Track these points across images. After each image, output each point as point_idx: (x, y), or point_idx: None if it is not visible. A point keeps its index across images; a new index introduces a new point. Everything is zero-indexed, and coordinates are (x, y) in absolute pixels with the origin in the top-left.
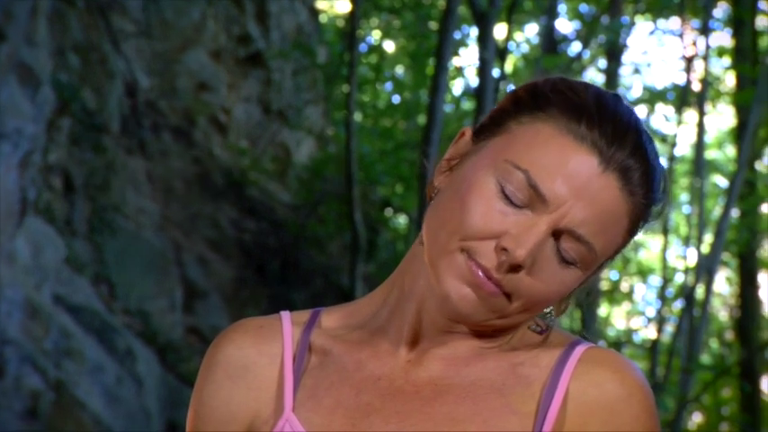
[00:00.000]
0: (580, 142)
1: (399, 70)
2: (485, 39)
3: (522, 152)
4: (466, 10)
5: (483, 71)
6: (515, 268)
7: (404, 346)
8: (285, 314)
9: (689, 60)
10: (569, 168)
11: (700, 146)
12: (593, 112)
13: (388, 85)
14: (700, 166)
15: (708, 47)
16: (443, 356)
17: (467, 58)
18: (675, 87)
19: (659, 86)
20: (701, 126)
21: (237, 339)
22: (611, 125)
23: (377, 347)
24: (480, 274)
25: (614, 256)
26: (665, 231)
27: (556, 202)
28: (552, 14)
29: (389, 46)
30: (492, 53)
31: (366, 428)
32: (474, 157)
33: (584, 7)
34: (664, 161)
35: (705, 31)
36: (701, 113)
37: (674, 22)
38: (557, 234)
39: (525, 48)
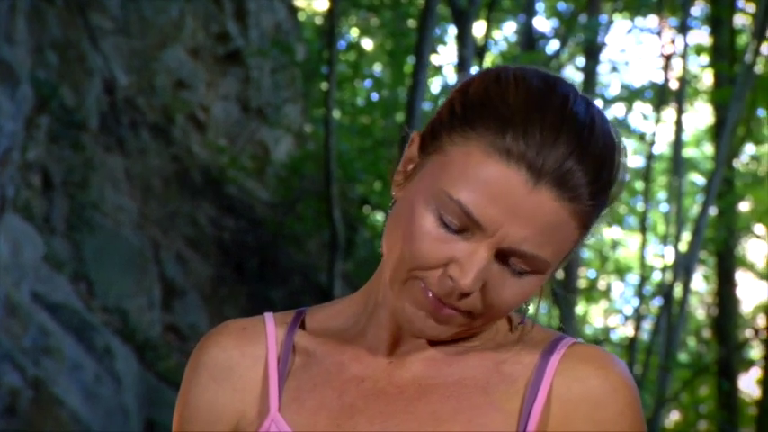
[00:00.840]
0: (507, 159)
1: (377, 68)
2: (464, 36)
3: (456, 179)
4: (445, 8)
5: (462, 69)
6: (465, 295)
7: (385, 349)
8: (269, 315)
9: (667, 58)
10: (498, 191)
11: (678, 144)
12: (519, 121)
13: (367, 83)
14: (678, 164)
15: (686, 45)
16: (425, 357)
17: (446, 56)
18: (653, 86)
19: (638, 85)
20: (679, 124)
21: (221, 341)
22: (538, 130)
23: (358, 350)
24: (435, 300)
25: (572, 251)
26: (644, 229)
27: (492, 227)
28: (530, 12)
29: (367, 44)
30: (471, 51)
31: (351, 429)
32: (417, 177)
33: (562, 5)
34: (621, 140)
35: (683, 29)
36: (680, 112)
37: (652, 20)
38: (501, 254)
39: (503, 46)
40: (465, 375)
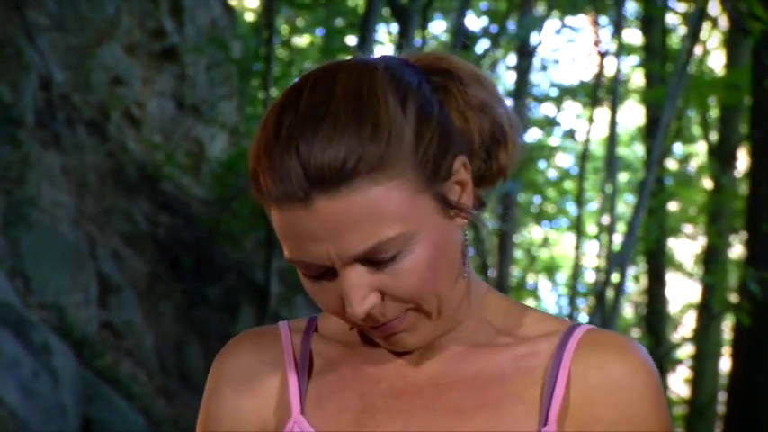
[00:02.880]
0: (275, 203)
1: (308, 66)
2: (406, 34)
3: (281, 241)
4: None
5: None
6: (372, 314)
7: (396, 353)
8: (283, 324)
9: (601, 57)
10: (295, 231)
11: (612, 143)
12: (263, 169)
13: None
14: (612, 163)
15: (620, 43)
16: (438, 357)
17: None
18: (585, 85)
19: (571, 84)
20: (613, 123)
21: (238, 351)
22: (266, 161)
23: (371, 352)
24: (371, 328)
25: (437, 189)
26: (577, 228)
27: (324, 258)
28: (463, 12)
29: (299, 41)
30: (414, 49)
31: (373, 429)
32: None
33: (493, 4)
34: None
35: (617, 27)
36: (614, 110)
37: (583, 19)
38: (360, 262)
39: (432, 44)
40: (482, 370)
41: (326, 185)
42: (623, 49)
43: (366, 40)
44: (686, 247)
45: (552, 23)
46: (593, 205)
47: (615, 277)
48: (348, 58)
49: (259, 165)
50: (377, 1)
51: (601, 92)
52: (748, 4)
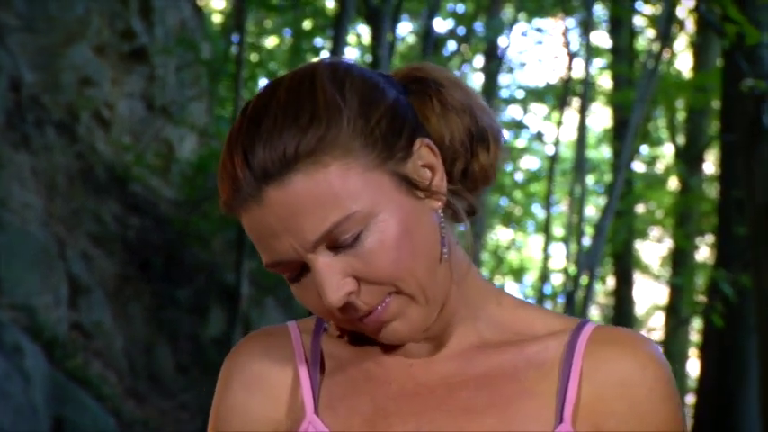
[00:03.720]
0: (237, 210)
1: (273, 67)
2: (378, 36)
3: (256, 248)
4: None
5: (376, 69)
6: (352, 302)
7: (402, 351)
8: (291, 323)
9: (570, 59)
10: (258, 232)
11: (581, 145)
12: (221, 181)
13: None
14: (581, 166)
15: (589, 46)
16: (449, 355)
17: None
18: (552, 87)
19: (537, 86)
20: (582, 125)
21: (249, 351)
22: (228, 169)
23: (379, 354)
24: (358, 320)
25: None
26: (545, 231)
27: (290, 253)
28: (433, 14)
29: (267, 43)
30: (386, 50)
31: (385, 430)
32: None
33: (460, 7)
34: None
35: (587, 29)
36: (583, 112)
37: (548, 22)
38: (324, 248)
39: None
40: (492, 367)
41: (272, 178)
42: (592, 52)
43: (339, 41)
44: (653, 249)
45: (520, 26)
46: (561, 207)
47: (584, 279)
48: (317, 60)
49: (219, 178)
50: (350, 2)
51: (569, 94)
52: (723, 7)
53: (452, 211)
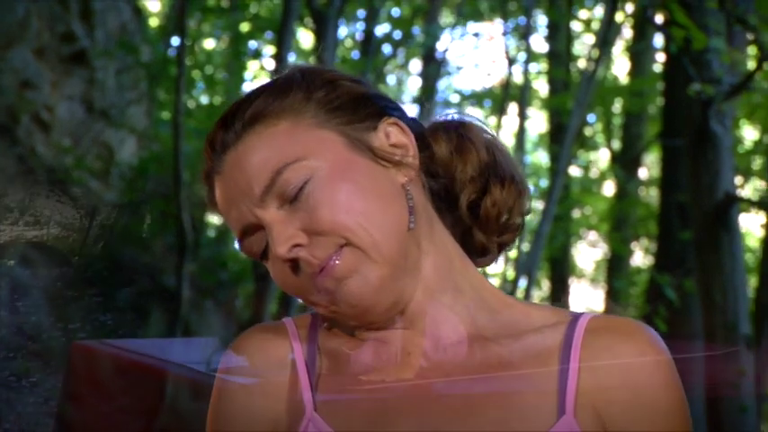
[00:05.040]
0: (212, 193)
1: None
2: (323, 39)
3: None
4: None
5: None
6: (303, 257)
7: (402, 347)
8: (288, 320)
9: (509, 63)
10: (226, 211)
11: (521, 149)
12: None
13: (200, 86)
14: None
15: (529, 50)
16: (447, 350)
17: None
18: (489, 92)
19: (474, 90)
20: (521, 130)
21: (247, 348)
22: (205, 160)
23: (381, 349)
24: (312, 276)
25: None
26: None
27: (249, 217)
28: (374, 18)
29: (205, 46)
30: (332, 53)
31: (385, 426)
32: None
33: (395, 11)
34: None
35: (526, 33)
36: (522, 117)
37: (489, 26)
38: (274, 203)
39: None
40: (491, 361)
41: (229, 146)
42: (530, 57)
43: (283, 44)
44: (587, 253)
45: (458, 30)
46: None
47: (522, 283)
48: (256, 62)
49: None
50: (294, 5)
51: (507, 99)
52: (670, 12)
53: (445, 205)
